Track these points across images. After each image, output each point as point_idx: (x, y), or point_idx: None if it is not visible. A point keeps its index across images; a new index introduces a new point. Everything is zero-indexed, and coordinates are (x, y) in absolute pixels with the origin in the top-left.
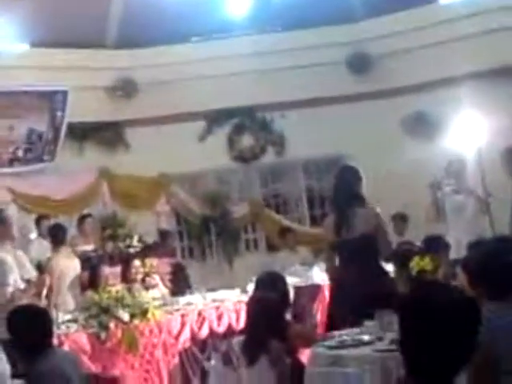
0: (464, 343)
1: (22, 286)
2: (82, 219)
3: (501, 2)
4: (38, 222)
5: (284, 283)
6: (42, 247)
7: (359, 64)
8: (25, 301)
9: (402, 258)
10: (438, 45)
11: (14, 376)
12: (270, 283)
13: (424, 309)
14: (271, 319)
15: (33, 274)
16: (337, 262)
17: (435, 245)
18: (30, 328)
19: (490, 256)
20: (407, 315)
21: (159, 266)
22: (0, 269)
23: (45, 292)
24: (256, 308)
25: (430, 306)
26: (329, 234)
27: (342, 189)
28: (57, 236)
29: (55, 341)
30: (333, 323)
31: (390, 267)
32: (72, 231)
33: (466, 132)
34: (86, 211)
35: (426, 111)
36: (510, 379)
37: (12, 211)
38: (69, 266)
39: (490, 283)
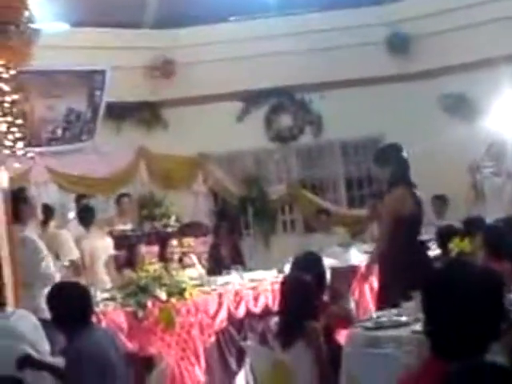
0: (489, 322)
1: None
2: (119, 198)
3: None
4: (77, 201)
5: (321, 264)
6: (79, 227)
7: (399, 44)
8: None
9: (443, 239)
10: (479, 25)
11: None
12: (307, 264)
13: (447, 287)
14: (307, 299)
15: (76, 254)
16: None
17: (475, 226)
18: (70, 305)
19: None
20: (431, 294)
21: (196, 246)
22: (32, 246)
23: None
24: (291, 288)
25: (453, 284)
26: (403, 208)
27: (408, 167)
28: (84, 217)
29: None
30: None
31: None
32: (110, 211)
33: (507, 114)
34: (123, 190)
35: (467, 92)
36: None
37: (51, 190)
38: (100, 246)
39: None
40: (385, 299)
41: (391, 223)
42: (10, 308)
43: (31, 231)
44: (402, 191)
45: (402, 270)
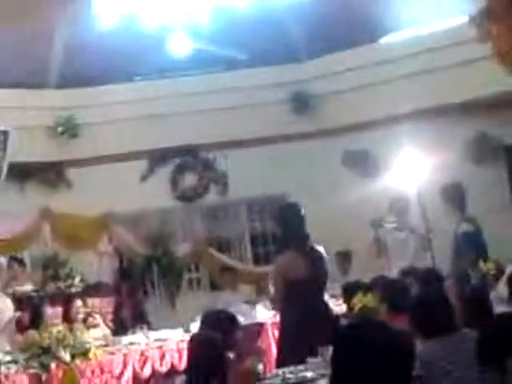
0: (396, 380)
1: None
2: (9, 262)
3: (440, 42)
4: None
5: (230, 322)
6: None
7: (302, 103)
8: None
9: (347, 294)
10: (379, 84)
11: None
12: (216, 322)
13: (356, 345)
14: (213, 359)
15: None
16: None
17: (378, 282)
18: None
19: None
20: (339, 351)
21: (101, 306)
22: None
23: None
24: (198, 348)
25: (362, 342)
26: (291, 272)
27: (303, 227)
28: None
29: None
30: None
31: None
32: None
33: (407, 170)
34: (26, 251)
35: (369, 149)
36: None
37: None
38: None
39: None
40: (282, 360)
41: (280, 286)
42: None
43: None
44: (291, 254)
45: (293, 330)
